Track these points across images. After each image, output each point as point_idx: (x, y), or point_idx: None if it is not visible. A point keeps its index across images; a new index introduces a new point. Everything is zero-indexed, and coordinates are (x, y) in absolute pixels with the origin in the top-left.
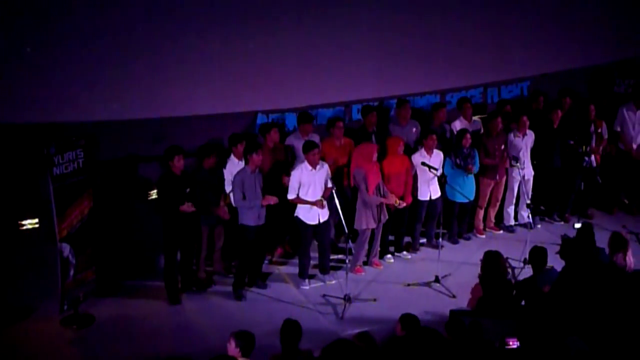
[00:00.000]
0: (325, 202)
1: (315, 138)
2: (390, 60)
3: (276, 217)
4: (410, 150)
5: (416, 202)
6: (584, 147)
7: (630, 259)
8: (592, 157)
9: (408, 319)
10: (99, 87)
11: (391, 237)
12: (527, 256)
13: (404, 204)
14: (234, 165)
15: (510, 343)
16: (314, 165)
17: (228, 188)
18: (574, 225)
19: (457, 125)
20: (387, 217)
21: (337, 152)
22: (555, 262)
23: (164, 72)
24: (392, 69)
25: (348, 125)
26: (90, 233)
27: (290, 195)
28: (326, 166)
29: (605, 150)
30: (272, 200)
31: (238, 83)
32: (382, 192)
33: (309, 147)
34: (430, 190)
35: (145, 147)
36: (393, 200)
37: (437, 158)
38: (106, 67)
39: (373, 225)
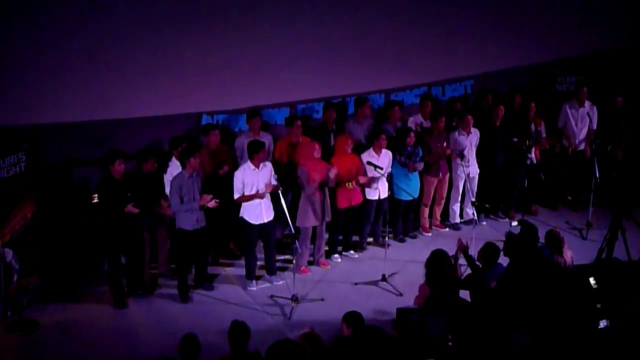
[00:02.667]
0: (266, 195)
1: (267, 137)
2: (334, 61)
3: (221, 218)
4: (364, 149)
5: (365, 201)
6: (527, 142)
7: (567, 256)
8: (533, 154)
9: (352, 317)
10: (39, 90)
11: (339, 237)
12: (472, 253)
13: (354, 185)
14: (176, 168)
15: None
16: (257, 165)
17: (168, 191)
18: (510, 224)
19: (416, 120)
20: (330, 217)
21: (293, 150)
22: (501, 259)
23: (106, 73)
24: (337, 69)
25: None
26: (33, 237)
27: (236, 196)
28: (269, 165)
29: (544, 146)
30: (208, 198)
31: (182, 84)
32: (323, 189)
33: (257, 147)
34: (379, 190)
35: (88, 150)
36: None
37: (385, 158)
38: (46, 70)
39: (314, 222)
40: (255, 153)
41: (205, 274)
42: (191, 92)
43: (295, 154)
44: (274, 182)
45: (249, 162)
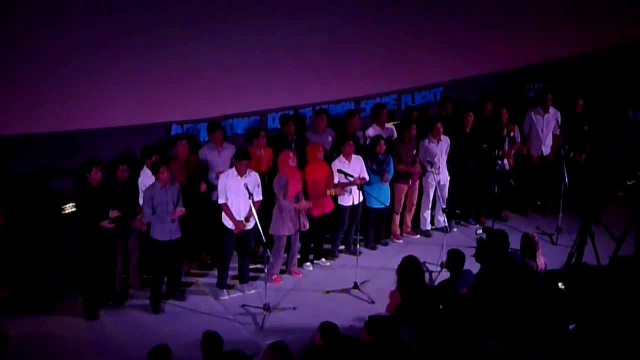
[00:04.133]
0: (247, 224)
1: (230, 149)
2: (304, 69)
3: (194, 227)
4: (326, 158)
5: (338, 208)
6: (496, 150)
7: (541, 261)
8: (505, 160)
9: (327, 328)
10: (7, 101)
11: (311, 245)
12: (444, 260)
13: (334, 192)
14: (147, 178)
15: None
16: (241, 173)
17: (142, 201)
18: (476, 232)
19: (371, 132)
20: (308, 227)
21: (257, 162)
22: (472, 266)
23: (76, 83)
24: (307, 78)
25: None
26: (1, 250)
27: (221, 200)
28: (254, 175)
29: (520, 152)
30: (180, 212)
31: (152, 94)
32: (299, 200)
33: (241, 156)
34: (353, 196)
35: (58, 160)
36: (308, 206)
37: (357, 164)
38: (16, 79)
39: (289, 232)
40: (237, 161)
41: (177, 285)
42: (161, 102)
43: (260, 165)
44: (260, 198)
45: (234, 168)
